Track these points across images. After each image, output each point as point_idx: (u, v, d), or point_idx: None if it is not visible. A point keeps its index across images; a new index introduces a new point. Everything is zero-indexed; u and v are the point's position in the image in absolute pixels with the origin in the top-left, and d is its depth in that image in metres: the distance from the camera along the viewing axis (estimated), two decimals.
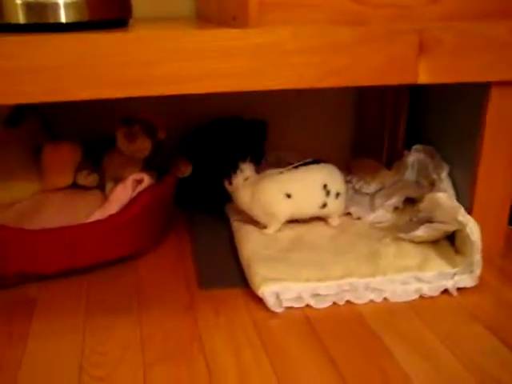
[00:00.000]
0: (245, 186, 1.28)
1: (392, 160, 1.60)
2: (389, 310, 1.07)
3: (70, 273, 1.17)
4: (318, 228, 1.34)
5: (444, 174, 1.37)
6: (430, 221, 1.23)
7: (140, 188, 1.23)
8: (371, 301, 1.09)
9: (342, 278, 1.10)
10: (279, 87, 1.01)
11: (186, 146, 1.46)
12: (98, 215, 1.17)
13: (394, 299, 1.10)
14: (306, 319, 1.04)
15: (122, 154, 1.32)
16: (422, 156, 1.50)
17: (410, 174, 1.51)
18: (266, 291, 1.06)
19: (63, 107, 1.22)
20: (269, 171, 1.30)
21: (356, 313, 1.06)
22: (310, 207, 1.29)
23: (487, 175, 1.21)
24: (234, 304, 1.08)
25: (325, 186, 1.28)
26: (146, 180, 1.23)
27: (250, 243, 1.24)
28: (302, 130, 1.68)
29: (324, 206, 1.28)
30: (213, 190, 1.44)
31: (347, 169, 1.58)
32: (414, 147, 1.51)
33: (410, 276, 1.12)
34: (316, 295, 1.08)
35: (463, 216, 1.12)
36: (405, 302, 1.09)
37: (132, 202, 1.20)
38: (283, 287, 1.07)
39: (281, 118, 1.64)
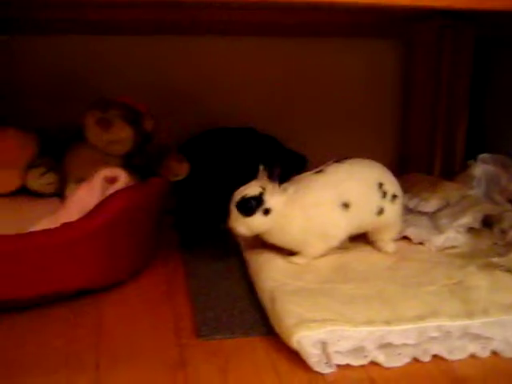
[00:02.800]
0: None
1: (448, 175, 1.23)
2: (501, 371, 0.66)
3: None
4: (366, 255, 0.94)
5: None
6: None
7: (113, 189, 0.84)
8: (472, 356, 0.68)
9: (421, 319, 0.70)
10: None
11: (187, 153, 1.09)
12: (47, 223, 0.77)
13: (507, 353, 0.69)
14: None
15: (93, 148, 0.95)
16: (491, 167, 1.14)
17: (477, 190, 1.14)
18: (305, 340, 0.65)
19: (13, 84, 0.86)
20: (298, 177, 0.91)
21: (450, 375, 0.66)
22: (367, 216, 0.90)
23: None
24: (251, 361, 0.68)
25: (380, 186, 0.89)
26: (123, 178, 0.85)
27: (274, 272, 0.84)
28: (338, 145, 1.30)
29: (381, 212, 0.89)
30: (218, 206, 1.06)
31: None
32: (480, 157, 1.16)
33: None
34: (386, 346, 0.67)
35: None
36: None
37: (100, 206, 0.80)
38: (332, 333, 0.66)
39: (315, 133, 1.28)
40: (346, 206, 0.87)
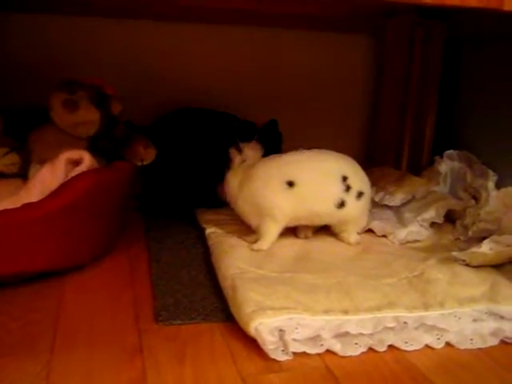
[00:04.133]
0: (236, 169, 0.89)
1: (414, 170, 1.24)
2: (455, 362, 0.67)
3: None
4: (329, 246, 0.95)
5: (491, 185, 1.02)
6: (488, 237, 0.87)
7: (77, 171, 0.83)
8: (427, 346, 0.70)
9: (379, 309, 0.71)
10: None
11: (153, 134, 1.07)
12: (7, 204, 0.76)
13: (461, 344, 0.70)
14: (326, 373, 0.64)
15: (58, 130, 0.93)
16: (456, 164, 1.16)
17: (442, 186, 1.16)
18: (263, 327, 0.66)
19: None
20: (270, 156, 0.92)
21: (405, 365, 0.67)
22: (321, 204, 0.90)
23: None
24: (209, 347, 0.68)
25: (344, 179, 0.90)
26: (87, 161, 0.84)
27: (236, 260, 0.84)
28: (306, 136, 1.31)
29: (341, 205, 0.90)
30: (183, 190, 1.06)
31: None
32: (447, 153, 1.17)
33: (481, 310, 0.72)
34: (343, 335, 0.68)
35: None
36: (479, 350, 0.69)
37: (63, 187, 0.79)
38: (290, 321, 0.67)
39: (286, 123, 1.28)
40: (290, 184, 0.88)
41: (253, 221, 0.90)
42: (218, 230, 0.98)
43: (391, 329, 0.70)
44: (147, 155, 0.95)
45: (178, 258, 0.93)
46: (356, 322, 0.69)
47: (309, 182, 0.88)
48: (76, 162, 0.85)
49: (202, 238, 0.99)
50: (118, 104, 0.96)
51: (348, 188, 0.90)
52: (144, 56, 1.20)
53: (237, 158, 0.91)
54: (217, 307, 0.76)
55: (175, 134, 1.12)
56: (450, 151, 1.19)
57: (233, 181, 0.90)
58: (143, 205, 1.16)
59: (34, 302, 0.77)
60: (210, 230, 0.99)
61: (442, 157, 1.19)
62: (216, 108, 1.17)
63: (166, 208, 1.11)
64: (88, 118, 0.93)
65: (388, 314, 0.71)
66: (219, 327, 0.73)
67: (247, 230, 0.95)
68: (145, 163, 0.95)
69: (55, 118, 0.93)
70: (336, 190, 0.90)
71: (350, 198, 0.91)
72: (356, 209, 0.92)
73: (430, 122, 1.26)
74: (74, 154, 0.85)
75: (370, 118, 1.36)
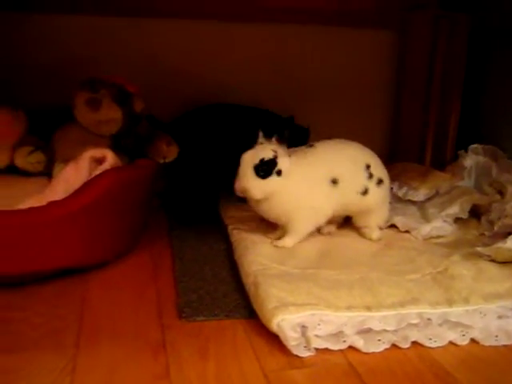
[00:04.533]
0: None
1: (439, 164, 1.23)
2: (479, 359, 0.66)
3: None
4: (352, 242, 0.94)
5: None
6: None
7: (100, 169, 0.84)
8: (451, 343, 0.69)
9: (402, 305, 0.70)
10: None
11: (176, 131, 1.08)
12: (33, 202, 0.77)
13: (486, 341, 0.69)
14: (349, 370, 0.64)
15: (82, 128, 0.94)
16: (481, 158, 1.14)
17: (467, 181, 1.14)
18: (285, 323, 0.66)
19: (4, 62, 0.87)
20: (293, 149, 0.90)
21: (429, 361, 0.66)
22: (351, 194, 0.90)
23: None
24: (231, 343, 0.68)
25: (368, 167, 0.90)
26: (110, 159, 0.85)
27: (258, 256, 0.84)
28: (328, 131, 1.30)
29: (365, 192, 0.90)
30: (208, 188, 1.07)
31: None
32: (472, 147, 1.15)
33: (506, 306, 0.71)
34: (365, 331, 0.67)
35: None
36: (505, 347, 0.68)
37: (86, 186, 0.80)
38: (313, 317, 0.67)
39: (308, 119, 1.28)
40: (334, 182, 0.88)
41: (282, 218, 0.89)
42: (241, 227, 0.99)
43: (415, 325, 0.69)
44: (169, 153, 0.95)
45: (201, 255, 0.93)
46: (379, 319, 0.68)
47: (347, 176, 0.89)
48: (99, 161, 0.86)
49: (224, 235, 0.99)
50: (140, 102, 0.97)
51: (371, 176, 0.90)
52: (163, 54, 1.20)
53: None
54: (239, 304, 0.77)
55: (200, 130, 1.12)
56: (475, 145, 1.17)
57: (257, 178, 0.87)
58: (166, 202, 1.16)
59: (58, 298, 0.79)
60: (232, 227, 0.99)
61: (466, 151, 1.17)
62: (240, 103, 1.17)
63: (191, 204, 1.11)
64: (111, 116, 0.94)
65: (412, 310, 0.70)
66: (242, 323, 0.73)
67: (269, 227, 0.95)
68: (167, 161, 0.95)
69: (78, 116, 0.94)
70: (362, 179, 0.90)
71: (372, 185, 0.91)
72: (377, 196, 0.92)
73: (453, 116, 1.25)
74: (97, 152, 0.86)
75: (393, 113, 1.34)
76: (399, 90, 1.32)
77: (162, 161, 0.95)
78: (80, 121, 0.95)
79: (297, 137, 1.16)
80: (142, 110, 0.98)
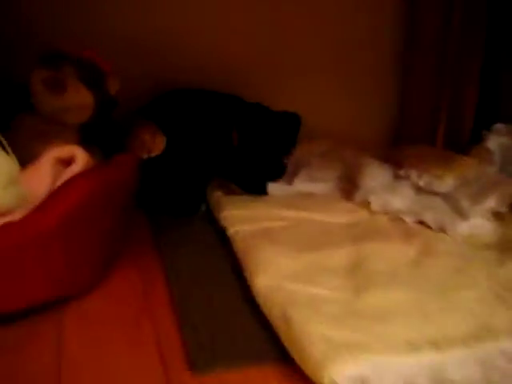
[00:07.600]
0: None
1: (453, 145, 1.09)
2: None
3: None
4: (382, 248, 0.79)
5: None
6: None
7: (69, 173, 0.64)
8: None
9: (477, 339, 0.54)
10: None
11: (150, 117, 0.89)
12: None
13: None
14: None
15: (42, 116, 0.73)
16: (506, 140, 1.01)
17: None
18: (341, 375, 0.49)
19: None
20: None
21: None
22: None
23: None
24: None
25: None
26: (80, 159, 0.65)
27: (277, 274, 0.67)
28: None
29: None
30: (187, 181, 0.89)
31: (392, 160, 1.03)
32: (495, 127, 1.02)
33: None
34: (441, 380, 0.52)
35: None
36: None
37: (52, 199, 0.61)
38: (374, 366, 0.51)
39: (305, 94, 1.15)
40: None
41: None
42: (244, 228, 0.82)
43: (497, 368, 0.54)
44: (155, 145, 0.76)
45: (200, 270, 0.76)
46: (456, 362, 0.53)
47: None
48: (66, 162, 0.66)
49: (220, 236, 0.82)
50: (115, 82, 0.78)
51: None
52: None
53: None
54: (266, 341, 0.59)
55: (172, 118, 0.93)
56: (499, 125, 1.04)
57: None
58: (142, 200, 0.97)
59: (28, 340, 0.60)
60: (233, 230, 0.82)
61: (488, 131, 1.04)
62: (216, 88, 1.00)
63: (169, 203, 0.93)
64: (78, 100, 0.74)
65: (490, 343, 0.55)
66: (274, 370, 0.56)
67: (278, 227, 0.79)
68: (152, 155, 0.76)
69: (36, 102, 0.74)
70: None
71: None
72: None
73: (471, 89, 1.09)
74: (62, 151, 0.66)
75: (400, 84, 1.18)
76: (407, 58, 1.14)
77: (145, 155, 0.76)
78: (38, 107, 0.74)
79: (287, 125, 1.01)
80: (115, 91, 0.79)
